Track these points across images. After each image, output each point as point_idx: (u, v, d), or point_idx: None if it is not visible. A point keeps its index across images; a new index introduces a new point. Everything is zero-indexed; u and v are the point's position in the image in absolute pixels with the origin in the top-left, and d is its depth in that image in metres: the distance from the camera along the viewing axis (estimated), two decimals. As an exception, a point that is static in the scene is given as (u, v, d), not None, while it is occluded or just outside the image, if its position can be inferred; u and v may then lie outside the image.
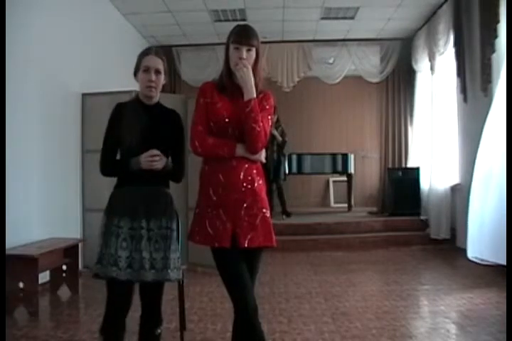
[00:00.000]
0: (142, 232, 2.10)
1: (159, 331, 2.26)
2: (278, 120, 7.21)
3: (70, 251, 4.08)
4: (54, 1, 4.49)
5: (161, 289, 2.25)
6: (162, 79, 2.22)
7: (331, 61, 8.02)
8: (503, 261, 4.19)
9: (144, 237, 2.10)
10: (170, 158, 2.25)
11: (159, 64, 2.19)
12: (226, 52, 2.08)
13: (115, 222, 2.12)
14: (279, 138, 7.14)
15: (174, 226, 2.21)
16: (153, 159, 2.08)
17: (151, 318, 2.25)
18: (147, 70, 2.16)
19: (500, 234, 4.25)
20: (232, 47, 2.05)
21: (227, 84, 2.09)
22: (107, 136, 2.22)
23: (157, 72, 2.18)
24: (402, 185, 7.19)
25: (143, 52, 2.23)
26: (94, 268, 2.12)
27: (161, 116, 2.25)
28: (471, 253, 4.62)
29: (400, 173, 7.36)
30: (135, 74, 2.23)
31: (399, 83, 7.86)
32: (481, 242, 4.51)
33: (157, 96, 2.25)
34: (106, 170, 2.22)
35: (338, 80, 7.91)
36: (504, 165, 4.13)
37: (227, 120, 2.03)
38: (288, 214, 7.31)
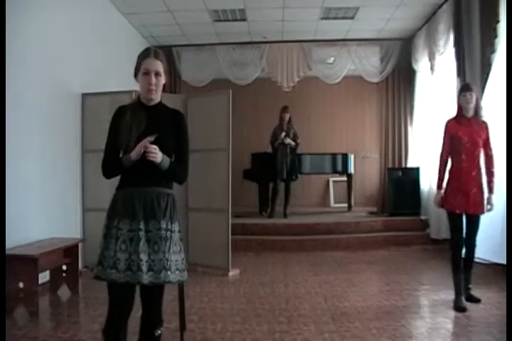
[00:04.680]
0: (140, 234, 2.09)
1: (159, 332, 2.25)
2: (290, 120, 7.25)
3: (70, 251, 4.09)
4: (54, 1, 4.49)
5: (161, 290, 2.24)
6: (162, 80, 2.21)
7: (331, 61, 8.02)
8: (498, 259, 4.20)
9: (142, 239, 2.08)
10: (173, 159, 2.24)
11: (159, 66, 2.18)
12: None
13: (115, 223, 2.12)
14: (293, 143, 7.24)
15: (176, 227, 2.19)
16: (148, 149, 2.05)
17: (151, 319, 2.24)
18: (147, 73, 2.16)
19: (497, 232, 4.26)
20: (461, 94, 3.67)
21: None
22: (108, 138, 2.23)
23: (157, 74, 2.17)
24: (402, 185, 7.19)
25: (142, 54, 2.21)
26: (95, 270, 2.12)
27: (162, 116, 2.24)
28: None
29: (400, 173, 7.36)
30: (135, 75, 2.23)
31: (399, 83, 7.86)
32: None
33: (158, 97, 2.25)
34: (107, 172, 2.22)
35: (338, 80, 7.90)
36: (500, 163, 4.13)
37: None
38: (285, 216, 7.33)
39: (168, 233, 2.14)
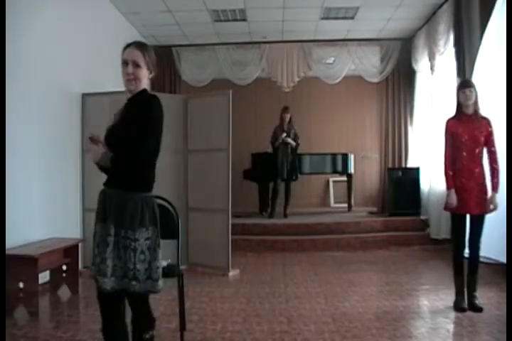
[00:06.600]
0: (109, 239, 2.02)
1: (147, 336, 2.17)
2: (290, 120, 7.26)
3: (70, 251, 4.09)
4: (54, 1, 4.49)
5: (143, 296, 2.13)
6: (143, 72, 2.11)
7: (331, 61, 8.02)
8: (499, 258, 4.18)
9: (110, 244, 2.01)
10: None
11: (137, 56, 2.09)
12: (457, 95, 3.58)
13: (95, 226, 2.11)
14: (293, 144, 7.26)
15: (141, 235, 2.03)
16: (88, 143, 2.01)
17: (139, 323, 2.18)
18: (125, 63, 2.10)
19: (498, 231, 4.25)
20: (460, 91, 3.54)
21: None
22: None
23: (135, 64, 2.09)
24: (402, 185, 7.19)
25: (125, 45, 2.16)
26: (91, 269, 2.13)
27: (131, 106, 2.13)
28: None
29: (400, 173, 7.36)
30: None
31: (399, 83, 7.85)
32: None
33: (138, 88, 2.13)
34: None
35: (338, 80, 7.90)
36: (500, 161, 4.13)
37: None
38: (285, 216, 7.34)
39: (128, 241, 2.01)
